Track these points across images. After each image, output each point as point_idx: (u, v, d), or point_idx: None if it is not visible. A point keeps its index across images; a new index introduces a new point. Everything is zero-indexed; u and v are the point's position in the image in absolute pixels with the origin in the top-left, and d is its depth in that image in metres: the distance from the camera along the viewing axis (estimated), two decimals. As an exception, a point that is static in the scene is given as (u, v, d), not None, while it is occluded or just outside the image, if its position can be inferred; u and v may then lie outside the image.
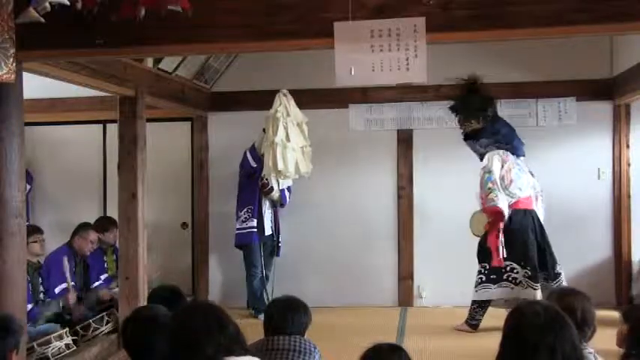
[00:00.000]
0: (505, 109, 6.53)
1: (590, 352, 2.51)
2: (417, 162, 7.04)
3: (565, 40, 5.57)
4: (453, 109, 6.20)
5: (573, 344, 2.15)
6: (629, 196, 6.77)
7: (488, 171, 5.85)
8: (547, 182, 6.65)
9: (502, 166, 5.85)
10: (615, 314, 6.06)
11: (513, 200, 5.85)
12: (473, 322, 5.94)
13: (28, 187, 6.81)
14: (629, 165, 6.78)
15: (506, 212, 5.80)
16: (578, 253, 6.60)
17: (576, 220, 6.66)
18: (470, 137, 6.11)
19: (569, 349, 2.13)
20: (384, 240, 7.04)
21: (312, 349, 3.04)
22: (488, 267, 5.83)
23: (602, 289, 6.63)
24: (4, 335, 2.78)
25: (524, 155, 6.08)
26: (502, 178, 5.83)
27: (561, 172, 6.71)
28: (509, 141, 6.00)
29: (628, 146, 6.78)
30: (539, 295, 5.58)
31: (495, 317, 5.60)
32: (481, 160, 6.01)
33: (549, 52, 6.51)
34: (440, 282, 6.84)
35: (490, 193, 5.78)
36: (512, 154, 5.96)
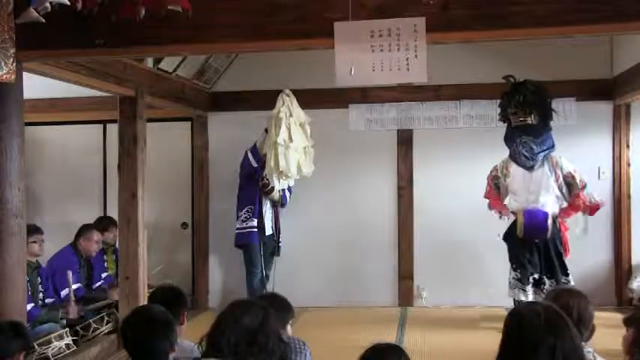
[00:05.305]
0: (505, 109, 6.52)
1: (589, 352, 2.50)
2: (417, 162, 7.02)
3: (565, 40, 5.55)
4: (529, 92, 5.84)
5: (574, 344, 2.15)
6: (629, 197, 6.77)
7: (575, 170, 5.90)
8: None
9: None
10: (616, 315, 6.09)
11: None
12: None
13: None
14: (629, 165, 6.78)
15: None
16: (579, 253, 6.59)
17: (576, 220, 6.64)
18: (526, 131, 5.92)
19: (569, 349, 2.12)
20: (384, 240, 7.03)
21: (301, 346, 3.01)
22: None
23: (603, 289, 6.63)
24: (16, 336, 3.02)
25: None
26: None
27: (561, 172, 6.70)
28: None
29: (628, 146, 6.78)
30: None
31: (495, 317, 5.61)
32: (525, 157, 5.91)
33: (549, 52, 6.51)
34: (440, 282, 6.84)
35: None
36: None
